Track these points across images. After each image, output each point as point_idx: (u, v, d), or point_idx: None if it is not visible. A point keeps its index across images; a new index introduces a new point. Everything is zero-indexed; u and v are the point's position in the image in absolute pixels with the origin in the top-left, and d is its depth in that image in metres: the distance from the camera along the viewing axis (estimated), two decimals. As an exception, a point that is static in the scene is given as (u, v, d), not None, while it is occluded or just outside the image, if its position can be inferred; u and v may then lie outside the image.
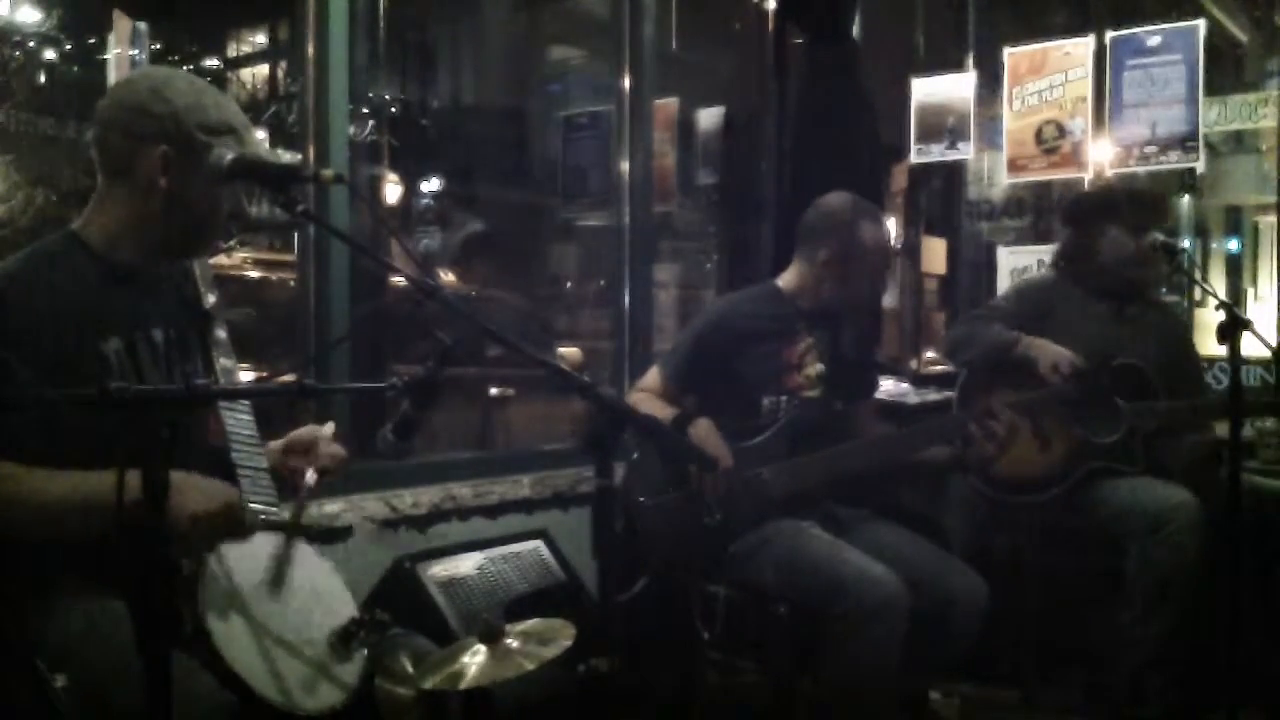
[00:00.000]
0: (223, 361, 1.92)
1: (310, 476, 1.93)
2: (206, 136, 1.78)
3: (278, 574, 1.76)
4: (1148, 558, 2.93)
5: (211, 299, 1.95)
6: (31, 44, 4.20)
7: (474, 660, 1.76)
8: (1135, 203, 3.31)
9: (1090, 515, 3.08)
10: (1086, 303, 3.30)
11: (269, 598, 1.72)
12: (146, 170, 1.78)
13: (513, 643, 1.79)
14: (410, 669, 1.81)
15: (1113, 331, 3.24)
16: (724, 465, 2.71)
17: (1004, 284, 4.28)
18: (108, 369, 1.73)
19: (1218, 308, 2.53)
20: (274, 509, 1.82)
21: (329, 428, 2.02)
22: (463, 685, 1.72)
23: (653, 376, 2.98)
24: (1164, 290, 4.56)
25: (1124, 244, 3.22)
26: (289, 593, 1.75)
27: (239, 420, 1.86)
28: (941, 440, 2.91)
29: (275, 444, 1.97)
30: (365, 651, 1.75)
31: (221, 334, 1.95)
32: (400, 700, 1.78)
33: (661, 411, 2.82)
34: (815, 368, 2.91)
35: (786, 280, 2.98)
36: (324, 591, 1.81)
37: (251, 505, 1.78)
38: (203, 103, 1.81)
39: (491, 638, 1.79)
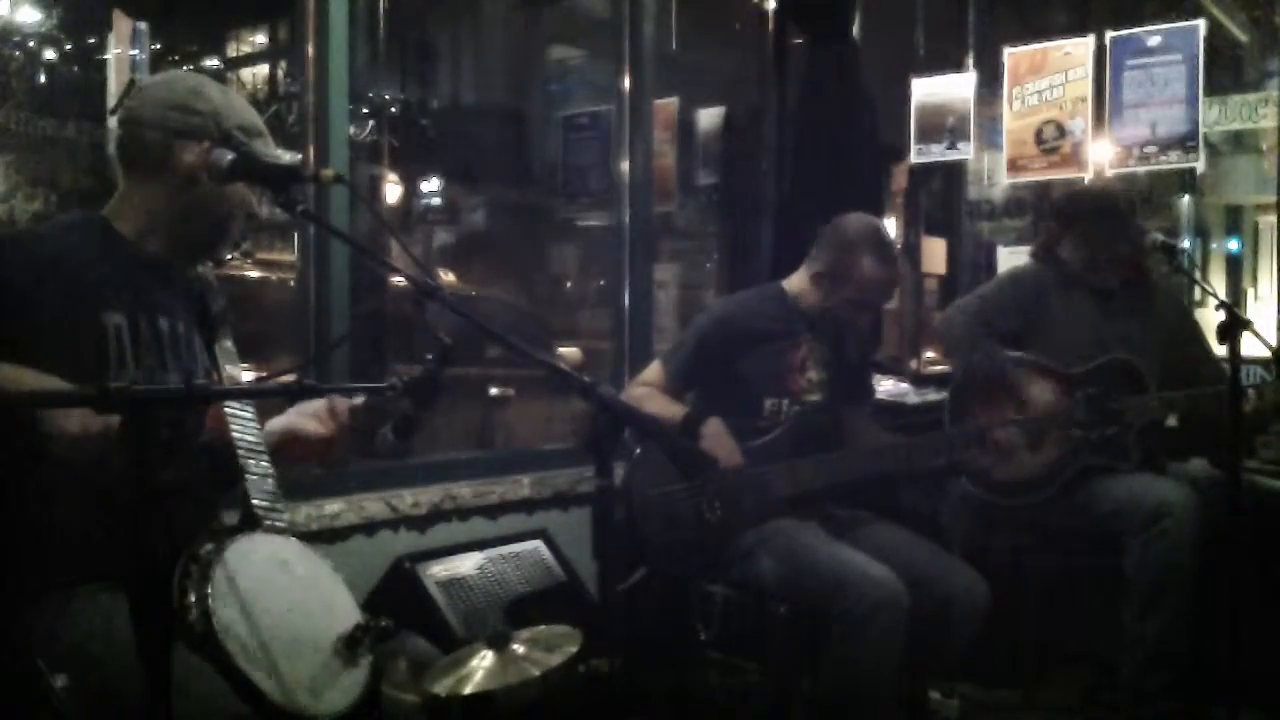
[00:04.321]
0: (228, 369, 1.93)
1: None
2: (243, 136, 1.86)
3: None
4: (1145, 553, 2.93)
5: (216, 309, 1.97)
6: (31, 44, 4.20)
7: (482, 665, 1.78)
8: (1100, 203, 3.32)
9: (1087, 513, 3.08)
10: (1074, 298, 3.30)
11: (274, 601, 1.72)
12: (186, 166, 1.83)
13: (520, 649, 1.81)
14: (406, 673, 1.81)
15: (1109, 325, 3.24)
16: (735, 465, 2.72)
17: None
18: (104, 340, 1.75)
19: (1218, 308, 2.53)
20: (280, 512, 1.82)
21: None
22: (469, 690, 1.73)
23: (654, 371, 2.98)
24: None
25: (1092, 245, 3.24)
26: (294, 596, 1.75)
27: (245, 426, 1.86)
28: (943, 454, 2.94)
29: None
30: (371, 657, 1.75)
31: (228, 343, 1.97)
32: (403, 705, 1.78)
33: (669, 408, 2.83)
34: (816, 371, 2.91)
35: (791, 284, 3.00)
36: (328, 596, 1.81)
37: (257, 508, 1.78)
38: (235, 105, 1.90)
39: (499, 644, 1.80)
